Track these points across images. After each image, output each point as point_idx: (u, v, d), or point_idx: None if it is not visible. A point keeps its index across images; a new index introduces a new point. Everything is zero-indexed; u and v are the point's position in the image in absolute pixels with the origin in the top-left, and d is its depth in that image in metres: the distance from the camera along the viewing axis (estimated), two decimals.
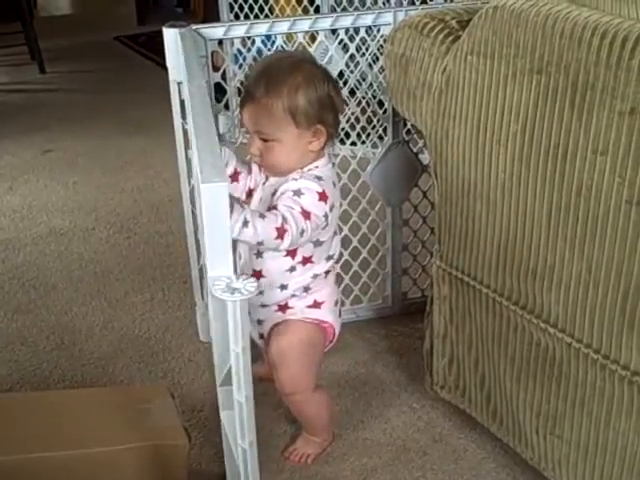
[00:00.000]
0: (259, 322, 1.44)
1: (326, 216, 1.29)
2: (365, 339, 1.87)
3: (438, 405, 1.61)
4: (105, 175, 2.80)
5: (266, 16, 3.09)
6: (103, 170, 2.83)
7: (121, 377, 1.75)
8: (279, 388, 1.43)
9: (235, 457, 1.16)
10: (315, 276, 1.38)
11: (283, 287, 1.38)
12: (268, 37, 1.81)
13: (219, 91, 1.74)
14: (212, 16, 3.29)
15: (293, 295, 1.39)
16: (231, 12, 3.12)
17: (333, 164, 1.36)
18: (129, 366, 1.77)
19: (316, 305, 1.41)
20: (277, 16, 3.08)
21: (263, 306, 1.41)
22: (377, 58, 1.84)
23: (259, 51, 1.97)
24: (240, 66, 2.35)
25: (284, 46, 1.77)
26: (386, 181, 1.82)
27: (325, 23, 1.68)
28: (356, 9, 2.95)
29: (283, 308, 1.41)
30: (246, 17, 3.08)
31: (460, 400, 1.52)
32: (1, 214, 2.52)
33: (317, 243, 1.34)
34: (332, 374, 1.74)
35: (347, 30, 1.73)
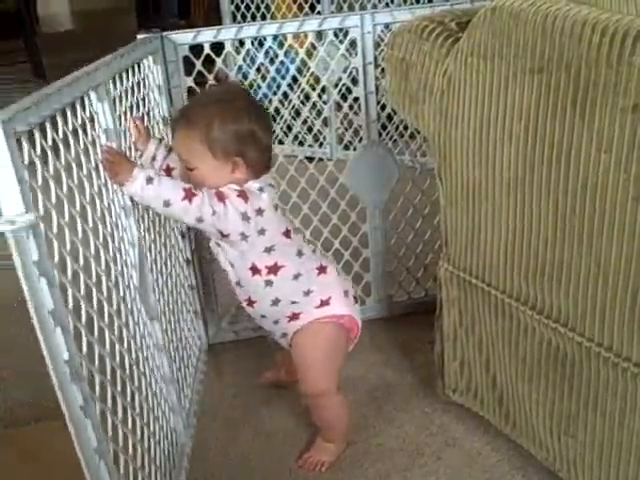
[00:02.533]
0: (284, 335, 1.46)
1: (245, 216, 1.28)
2: (373, 341, 1.87)
3: (450, 408, 1.60)
4: None
5: None
6: None
7: None
8: (304, 391, 1.44)
9: None
10: (296, 277, 1.39)
11: (275, 302, 1.40)
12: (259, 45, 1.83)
13: None
14: (213, 25, 3.30)
15: (293, 302, 1.40)
16: (234, 21, 3.14)
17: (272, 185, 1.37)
18: None
19: (324, 303, 1.41)
20: None
21: (276, 322, 1.44)
22: (346, 58, 1.87)
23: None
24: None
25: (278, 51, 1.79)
26: (364, 182, 1.83)
27: (292, 27, 1.71)
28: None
29: (293, 317, 1.42)
30: None
31: (472, 403, 1.51)
32: None
33: (268, 250, 1.35)
34: (343, 379, 1.73)
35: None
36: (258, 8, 3.14)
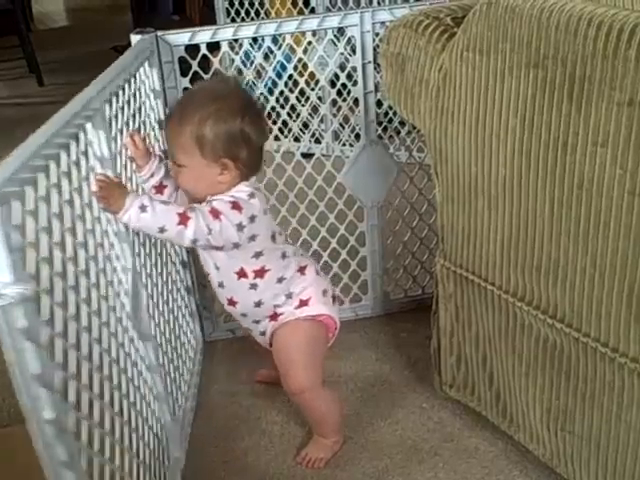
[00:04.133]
0: (262, 334, 1.46)
1: (240, 226, 1.28)
2: (369, 338, 1.88)
3: (448, 404, 1.60)
4: None
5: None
6: None
7: None
8: (287, 389, 1.44)
9: None
10: (280, 280, 1.39)
11: (258, 304, 1.40)
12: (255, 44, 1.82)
13: None
14: (209, 22, 3.29)
15: (275, 305, 1.41)
16: (228, 17, 3.13)
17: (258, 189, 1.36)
18: None
19: (303, 304, 1.42)
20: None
21: (256, 322, 1.45)
22: (346, 59, 1.85)
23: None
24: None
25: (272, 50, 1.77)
26: (362, 182, 1.83)
27: (290, 26, 1.70)
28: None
29: (274, 317, 1.43)
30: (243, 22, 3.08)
31: (469, 399, 1.51)
32: None
33: (257, 254, 1.35)
34: (339, 376, 1.74)
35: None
36: (252, 4, 3.13)
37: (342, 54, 1.81)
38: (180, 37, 1.66)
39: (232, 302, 1.42)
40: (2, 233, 0.81)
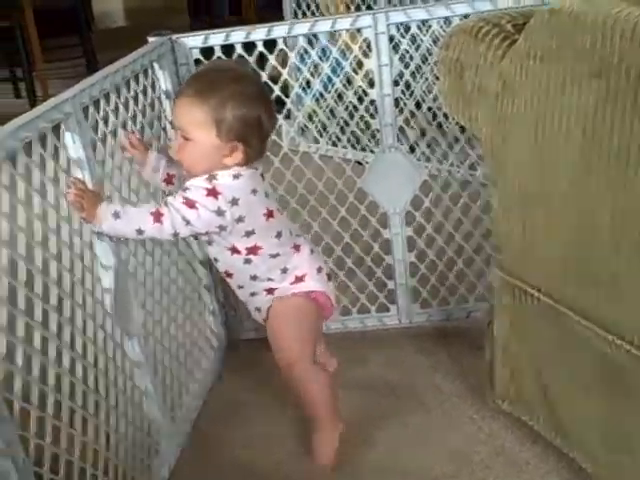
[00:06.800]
0: (258, 310, 1.50)
1: (220, 211, 1.31)
2: (417, 346, 1.86)
3: (499, 417, 1.57)
4: None
5: None
6: None
7: None
8: (277, 362, 1.45)
9: None
10: (274, 256, 1.42)
11: (253, 278, 1.45)
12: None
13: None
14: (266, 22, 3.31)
15: (269, 279, 1.44)
16: (295, 18, 3.12)
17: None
18: None
19: (298, 280, 1.46)
20: None
21: (253, 294, 1.49)
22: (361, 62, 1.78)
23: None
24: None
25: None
26: (383, 188, 1.80)
27: (303, 28, 1.69)
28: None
29: (270, 291, 1.47)
30: None
31: (522, 412, 1.48)
32: None
33: (248, 233, 1.38)
34: (388, 382, 1.73)
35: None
36: (318, 7, 3.13)
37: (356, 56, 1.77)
38: (195, 40, 1.69)
39: (228, 274, 1.47)
40: None
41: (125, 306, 1.34)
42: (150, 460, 1.45)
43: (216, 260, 1.46)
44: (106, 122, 1.34)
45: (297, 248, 1.47)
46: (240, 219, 1.34)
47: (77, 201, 1.21)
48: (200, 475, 1.52)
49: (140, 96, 1.51)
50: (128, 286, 1.35)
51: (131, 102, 1.46)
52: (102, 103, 1.33)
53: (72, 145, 1.22)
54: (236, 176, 1.34)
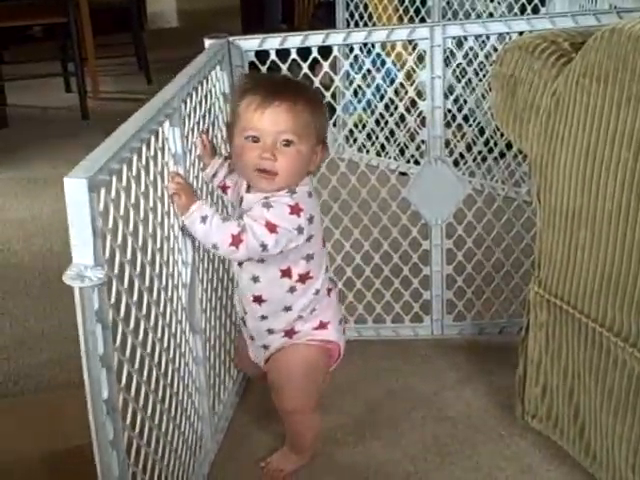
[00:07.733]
0: (265, 347, 1.43)
1: (300, 229, 1.27)
2: (448, 360, 1.86)
3: (527, 434, 1.56)
4: None
5: None
6: None
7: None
8: (278, 405, 1.43)
9: None
10: (317, 292, 1.38)
11: (287, 309, 1.37)
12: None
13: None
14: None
15: (299, 317, 1.38)
16: (348, 27, 3.14)
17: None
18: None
19: (322, 326, 1.41)
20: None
21: (270, 332, 1.40)
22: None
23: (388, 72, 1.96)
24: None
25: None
26: (426, 199, 1.80)
27: (359, 36, 1.71)
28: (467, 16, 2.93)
29: (289, 333, 1.40)
30: None
31: (552, 431, 1.47)
32: None
33: (309, 257, 1.34)
34: (417, 393, 1.73)
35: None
36: (370, 17, 3.15)
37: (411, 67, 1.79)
38: (250, 42, 1.71)
39: (260, 300, 1.36)
40: (90, 217, 0.91)
41: (192, 301, 1.37)
42: (194, 456, 1.46)
43: (255, 280, 1.35)
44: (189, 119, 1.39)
45: (329, 292, 1.42)
46: (309, 239, 1.31)
47: (176, 194, 1.24)
48: (236, 472, 1.53)
49: (207, 97, 1.53)
50: (196, 281, 1.38)
51: (203, 102, 1.49)
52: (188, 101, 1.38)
53: (172, 140, 1.27)
54: (310, 193, 1.33)
